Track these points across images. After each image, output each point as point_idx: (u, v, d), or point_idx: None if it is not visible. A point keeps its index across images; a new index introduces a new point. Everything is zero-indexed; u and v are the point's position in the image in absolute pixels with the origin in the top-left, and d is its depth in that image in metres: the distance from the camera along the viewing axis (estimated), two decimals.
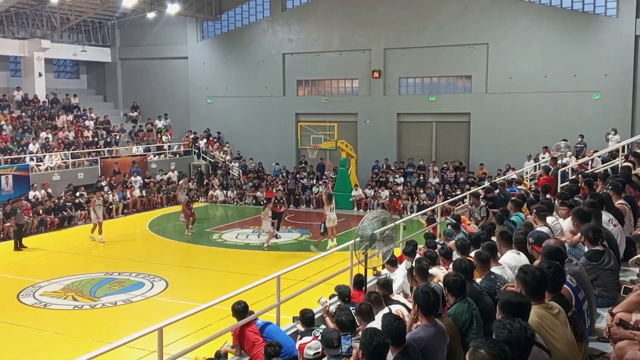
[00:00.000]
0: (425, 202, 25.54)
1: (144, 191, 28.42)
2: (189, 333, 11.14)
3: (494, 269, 6.80)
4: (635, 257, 7.73)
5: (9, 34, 31.03)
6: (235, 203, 29.37)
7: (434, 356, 4.90)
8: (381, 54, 30.33)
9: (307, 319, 7.73)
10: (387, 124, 30.40)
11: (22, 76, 32.52)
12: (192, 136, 34.24)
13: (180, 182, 29.27)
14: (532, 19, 27.29)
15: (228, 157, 33.22)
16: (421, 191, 27.13)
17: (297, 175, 30.58)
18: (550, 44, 26.90)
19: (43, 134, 28.85)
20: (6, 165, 25.16)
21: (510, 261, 7.18)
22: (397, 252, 12.69)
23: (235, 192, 30.05)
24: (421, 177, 28.71)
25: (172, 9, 30.68)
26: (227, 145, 33.78)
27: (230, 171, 32.12)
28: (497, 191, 15.09)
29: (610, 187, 8.93)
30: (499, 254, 7.36)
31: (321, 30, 31.57)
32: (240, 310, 8.04)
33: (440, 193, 26.40)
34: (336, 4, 31.06)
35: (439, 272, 7.85)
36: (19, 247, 20.28)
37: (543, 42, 27.02)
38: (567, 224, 8.30)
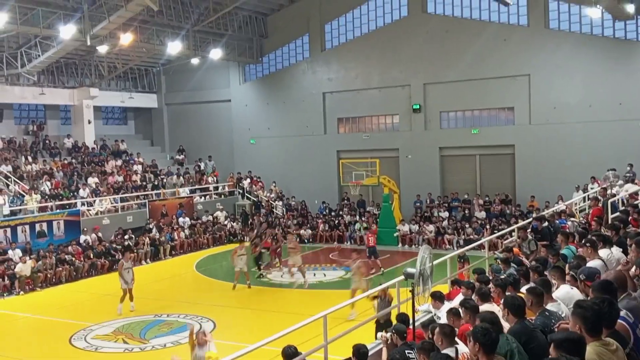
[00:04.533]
0: (472, 237, 25.12)
1: (189, 232, 28.74)
2: None
3: (548, 306, 6.59)
4: None
5: (59, 83, 32.17)
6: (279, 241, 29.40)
7: None
8: (421, 89, 30.36)
9: (361, 354, 7.61)
10: (429, 159, 30.23)
11: (72, 124, 33.57)
12: (236, 176, 34.70)
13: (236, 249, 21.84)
14: (572, 48, 27.01)
15: (272, 196, 33.46)
16: (467, 225, 26.75)
17: (340, 212, 30.58)
18: (592, 72, 26.53)
19: (92, 180, 29.56)
20: (58, 211, 25.77)
21: (564, 296, 6.96)
22: (444, 288, 12.52)
23: (279, 230, 30.12)
24: (466, 212, 28.32)
25: (215, 54, 31.44)
26: (274, 184, 34.04)
27: (274, 210, 32.29)
28: (545, 224, 14.75)
29: None
30: (553, 289, 7.14)
31: (360, 68, 31.85)
32: (291, 354, 8.00)
33: (487, 227, 25.96)
34: (373, 41, 31.39)
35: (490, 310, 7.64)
36: None
37: (585, 71, 26.66)
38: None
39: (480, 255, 16.24)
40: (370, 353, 8.42)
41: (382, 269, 22.19)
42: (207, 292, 20.72)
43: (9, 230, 23.40)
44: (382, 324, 10.87)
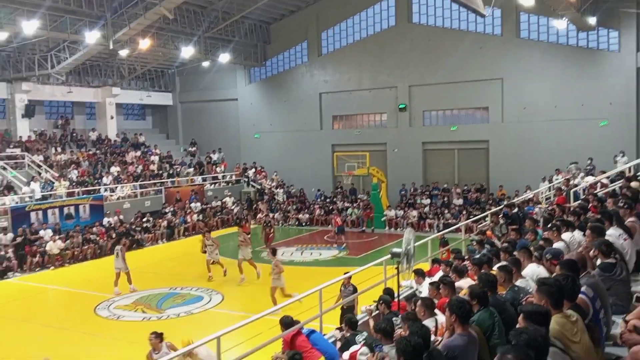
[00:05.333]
0: (450, 221, 25.21)
1: (201, 215, 28.78)
2: (243, 341, 11.14)
3: (517, 282, 6.65)
4: None
5: (85, 83, 32.02)
6: (280, 224, 29.48)
7: None
8: (406, 90, 30.30)
9: (352, 323, 7.75)
10: (413, 152, 30.24)
11: (97, 119, 33.50)
12: (242, 167, 34.66)
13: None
14: (541, 56, 26.91)
15: (274, 184, 33.48)
16: (446, 211, 26.82)
17: (334, 199, 30.64)
18: (558, 77, 26.52)
19: (114, 168, 29.53)
20: (84, 196, 25.80)
21: (531, 274, 7.02)
22: (425, 266, 12.59)
23: (280, 214, 30.20)
24: (446, 199, 28.38)
25: (224, 58, 31.33)
26: (275, 174, 34.01)
27: (276, 197, 32.33)
28: (515, 210, 14.82)
29: (624, 206, 8.64)
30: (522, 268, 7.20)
31: (352, 72, 31.76)
32: (288, 323, 8.15)
33: (464, 212, 26.06)
34: (365, 48, 31.29)
35: (465, 285, 7.71)
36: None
37: (552, 75, 26.63)
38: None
39: (458, 238, 16.29)
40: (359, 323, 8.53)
41: (344, 244, 23.47)
42: (216, 268, 20.74)
43: (41, 212, 23.43)
44: (346, 310, 10.87)
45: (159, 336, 9.36)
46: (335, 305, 10.99)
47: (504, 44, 27.78)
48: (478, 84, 28.42)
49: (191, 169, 33.18)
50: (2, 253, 20.65)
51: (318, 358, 7.47)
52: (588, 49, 26.25)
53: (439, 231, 23.51)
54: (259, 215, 28.79)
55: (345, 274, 11.64)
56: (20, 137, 28.44)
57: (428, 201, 28.39)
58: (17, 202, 23.44)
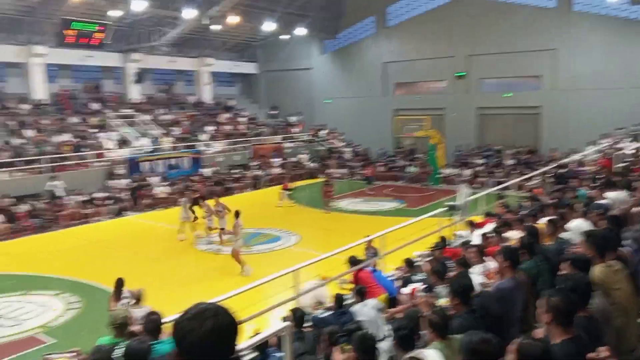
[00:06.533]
0: (501, 179, 24.38)
1: (280, 169, 29.32)
2: (316, 275, 11.47)
3: (563, 234, 6.44)
4: None
5: (184, 53, 32.69)
6: (347, 179, 29.59)
7: (514, 303, 4.77)
8: (464, 59, 29.07)
9: (411, 264, 7.83)
10: (469, 116, 29.23)
11: (195, 85, 34.36)
12: (315, 128, 34.79)
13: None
14: (593, 28, 25.04)
15: (342, 144, 33.47)
16: (498, 170, 25.94)
17: (395, 157, 30.31)
18: (608, 48, 24.65)
19: (210, 128, 30.40)
20: (185, 150, 26.82)
21: (576, 227, 6.76)
22: (477, 218, 12.33)
23: (347, 170, 30.26)
24: (498, 159, 27.40)
25: (300, 31, 31.13)
26: (343, 134, 33.90)
27: (343, 155, 32.36)
28: (564, 170, 14.15)
29: None
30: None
31: (414, 42, 30.70)
32: (355, 261, 8.30)
33: (515, 171, 25.10)
34: (426, 21, 30.09)
35: (514, 236, 7.54)
36: None
37: (602, 46, 24.80)
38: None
39: (508, 194, 15.80)
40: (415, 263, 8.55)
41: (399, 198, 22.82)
42: (294, 214, 21.26)
43: (150, 163, 24.64)
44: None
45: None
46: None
47: (558, 16, 25.90)
48: (532, 54, 26.83)
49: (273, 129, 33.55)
50: (120, 195, 22.00)
51: (381, 293, 7.60)
52: (637, 20, 24.05)
53: (490, 188, 22.88)
54: (328, 170, 29.01)
55: (366, 237, 10.43)
56: (132, 99, 29.72)
57: (482, 161, 27.52)
58: (131, 154, 24.74)
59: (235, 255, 13.36)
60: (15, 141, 22.51)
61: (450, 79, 29.94)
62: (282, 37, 33.62)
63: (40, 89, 25.81)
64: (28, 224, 18.74)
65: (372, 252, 10.50)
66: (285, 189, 22.30)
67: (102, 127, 26.12)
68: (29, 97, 25.61)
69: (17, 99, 25.13)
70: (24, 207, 19.19)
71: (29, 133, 23.34)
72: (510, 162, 26.65)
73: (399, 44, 31.46)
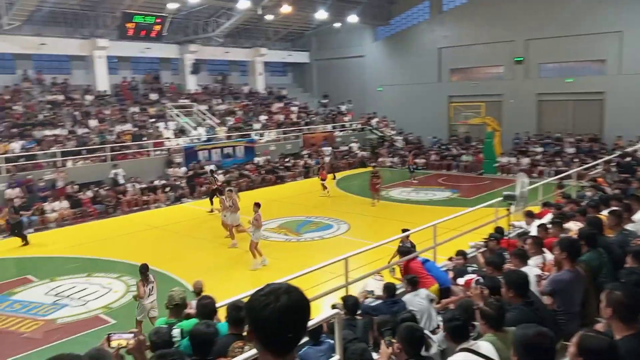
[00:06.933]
0: (561, 168, 23.36)
1: (331, 158, 29.33)
2: (365, 264, 11.45)
3: (627, 226, 6.10)
4: None
5: (238, 44, 33.22)
6: (398, 167, 29.24)
7: (572, 295, 4.59)
8: (522, 43, 27.88)
9: (465, 255, 7.71)
10: (528, 103, 28.04)
11: (248, 75, 34.86)
12: (366, 116, 34.53)
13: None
14: None
15: (394, 132, 33.06)
16: (558, 159, 24.84)
17: (448, 146, 29.62)
18: None
19: (263, 117, 30.81)
20: (239, 139, 27.33)
21: None
22: (535, 209, 11.88)
23: (398, 158, 29.90)
24: (558, 147, 26.21)
25: (352, 19, 30.87)
26: (394, 122, 33.50)
27: (395, 143, 31.96)
28: (628, 159, 13.36)
29: None
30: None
31: (471, 26, 29.73)
32: (405, 251, 8.19)
33: (576, 160, 23.95)
34: (483, 4, 29.03)
35: (574, 227, 7.22)
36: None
37: None
38: None
39: (569, 184, 15.10)
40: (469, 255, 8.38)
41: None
42: (344, 203, 21.22)
43: (206, 152, 25.29)
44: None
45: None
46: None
47: None
48: (595, 36, 25.34)
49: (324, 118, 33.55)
50: (178, 183, 22.75)
51: (432, 283, 7.50)
52: None
53: (549, 177, 22.00)
54: (379, 159, 28.73)
55: (403, 231, 9.95)
56: (189, 90, 30.56)
57: (541, 149, 26.43)
58: (188, 143, 25.49)
59: (252, 247, 13.12)
60: (80, 131, 23.71)
61: (507, 64, 28.84)
62: (334, 25, 33.47)
63: (102, 81, 27.02)
64: (91, 209, 19.78)
65: (409, 244, 10.07)
66: (323, 179, 22.39)
67: (161, 117, 27.04)
68: (93, 89, 26.87)
69: (82, 91, 26.44)
70: (88, 194, 20.25)
71: (93, 123, 24.52)
72: (570, 150, 25.44)
73: (455, 29, 30.57)
